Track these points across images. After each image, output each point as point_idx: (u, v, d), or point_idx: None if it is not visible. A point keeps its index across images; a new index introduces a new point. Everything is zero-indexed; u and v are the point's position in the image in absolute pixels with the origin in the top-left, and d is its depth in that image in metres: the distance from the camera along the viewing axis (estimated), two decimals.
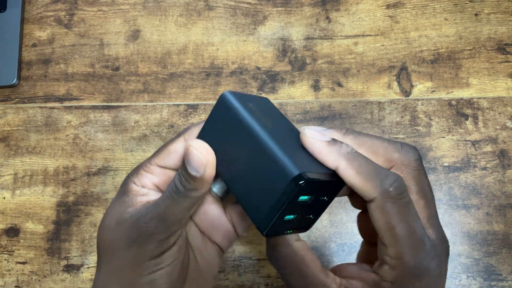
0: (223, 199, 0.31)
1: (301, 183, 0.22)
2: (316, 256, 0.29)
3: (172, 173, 0.28)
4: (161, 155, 0.28)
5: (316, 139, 0.24)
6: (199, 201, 0.26)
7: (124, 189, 0.28)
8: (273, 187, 0.23)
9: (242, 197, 0.25)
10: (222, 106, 0.26)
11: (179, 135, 0.28)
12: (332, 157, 0.23)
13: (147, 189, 0.28)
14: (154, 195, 0.27)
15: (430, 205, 0.25)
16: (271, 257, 0.26)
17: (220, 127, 0.26)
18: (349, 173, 0.23)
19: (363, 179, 0.23)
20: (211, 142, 0.26)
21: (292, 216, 0.25)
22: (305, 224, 0.26)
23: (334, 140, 0.24)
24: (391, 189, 0.23)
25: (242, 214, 0.29)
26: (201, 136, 0.27)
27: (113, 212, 0.27)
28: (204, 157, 0.24)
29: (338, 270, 0.26)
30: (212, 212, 0.29)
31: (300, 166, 0.23)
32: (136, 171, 0.28)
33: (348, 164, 0.23)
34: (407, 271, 0.23)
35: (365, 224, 0.28)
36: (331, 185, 0.24)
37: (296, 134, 0.26)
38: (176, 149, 0.28)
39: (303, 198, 0.24)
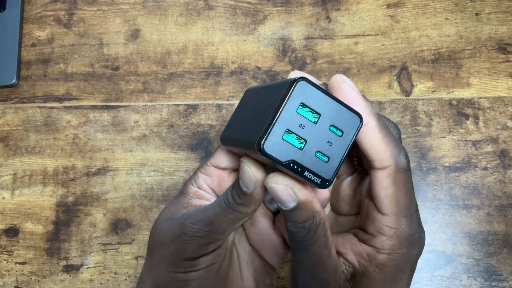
0: (276, 215, 0.30)
1: (298, 83, 0.22)
2: None
3: (225, 175, 0.28)
4: (215, 155, 0.29)
5: (353, 89, 0.23)
6: (246, 217, 0.26)
7: (182, 190, 0.29)
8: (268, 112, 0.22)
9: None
10: (245, 97, 0.26)
11: None
12: (366, 111, 0.23)
13: (203, 191, 0.28)
14: (209, 200, 0.28)
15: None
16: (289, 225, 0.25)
17: (242, 111, 0.26)
18: (376, 135, 0.23)
19: (385, 144, 0.23)
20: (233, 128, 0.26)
21: (294, 134, 0.22)
22: (319, 168, 0.23)
23: (365, 98, 0.24)
24: (405, 161, 0.23)
25: None
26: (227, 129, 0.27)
27: (168, 209, 0.28)
28: (254, 176, 0.24)
29: None
30: (262, 225, 0.29)
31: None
32: (195, 172, 0.29)
33: (377, 125, 0.23)
34: (404, 240, 0.24)
35: (347, 193, 0.28)
36: (339, 112, 0.22)
37: None
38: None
39: (304, 114, 0.22)
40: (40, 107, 0.45)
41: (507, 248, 0.40)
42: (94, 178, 0.43)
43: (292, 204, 0.23)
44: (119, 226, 0.42)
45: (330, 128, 0.22)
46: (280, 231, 0.29)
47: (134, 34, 0.46)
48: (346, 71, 0.44)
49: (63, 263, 0.41)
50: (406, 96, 0.44)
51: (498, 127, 0.43)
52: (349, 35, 0.45)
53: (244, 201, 0.25)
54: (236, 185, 0.25)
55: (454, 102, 0.43)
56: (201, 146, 0.43)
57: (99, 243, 0.41)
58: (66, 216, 0.42)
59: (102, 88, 0.45)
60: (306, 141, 0.22)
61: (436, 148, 0.42)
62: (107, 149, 0.44)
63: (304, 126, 0.22)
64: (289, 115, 0.21)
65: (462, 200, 0.41)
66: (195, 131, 0.43)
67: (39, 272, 0.41)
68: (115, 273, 0.41)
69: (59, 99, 0.45)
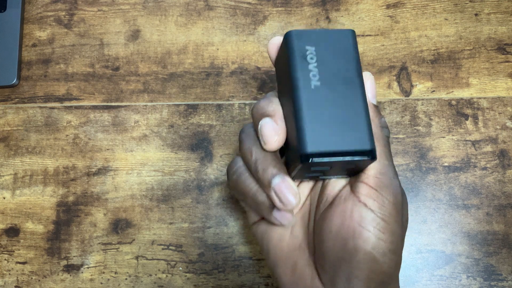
0: None
1: (307, 162, 0.23)
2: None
3: None
4: None
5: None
6: None
7: None
8: (294, 151, 0.24)
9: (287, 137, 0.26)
10: (283, 47, 0.26)
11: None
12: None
13: None
14: None
15: None
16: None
17: (281, 68, 0.27)
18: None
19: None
20: (277, 77, 0.28)
21: (316, 174, 0.26)
22: (341, 174, 0.27)
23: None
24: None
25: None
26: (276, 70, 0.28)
27: None
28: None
29: None
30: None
31: (314, 141, 0.23)
32: None
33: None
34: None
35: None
36: (351, 163, 0.24)
37: (351, 86, 0.25)
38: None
39: (318, 168, 0.24)
40: (40, 107, 0.45)
41: (507, 247, 0.40)
42: (95, 178, 0.43)
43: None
44: (119, 226, 0.42)
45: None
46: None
47: (135, 35, 0.47)
48: None
49: (64, 262, 0.41)
50: (405, 96, 0.44)
51: (498, 127, 0.43)
52: None
53: None
54: None
55: (453, 102, 0.43)
56: (201, 146, 0.43)
57: (99, 243, 0.41)
58: (67, 216, 0.42)
59: (102, 88, 0.45)
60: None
61: (435, 148, 0.42)
62: (107, 149, 0.44)
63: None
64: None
65: (461, 200, 0.41)
66: (195, 131, 0.44)
67: (39, 271, 0.41)
68: (116, 273, 0.41)
69: (60, 99, 0.45)
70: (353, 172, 0.26)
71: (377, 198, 0.25)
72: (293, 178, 0.26)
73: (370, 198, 0.25)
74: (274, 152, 0.26)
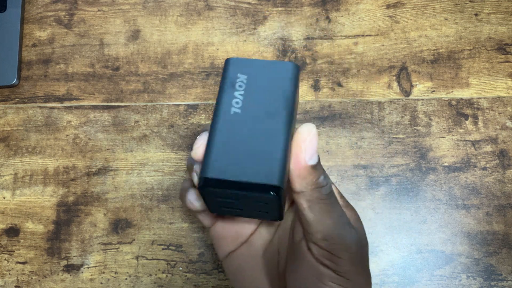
0: None
1: (203, 188, 0.22)
2: None
3: None
4: None
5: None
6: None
7: None
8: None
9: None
10: (223, 71, 0.26)
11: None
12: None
13: None
14: None
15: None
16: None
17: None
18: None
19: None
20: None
21: (228, 209, 0.24)
22: (263, 215, 0.25)
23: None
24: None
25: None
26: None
27: None
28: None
29: None
30: None
31: (216, 168, 0.21)
32: None
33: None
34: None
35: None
36: (256, 198, 0.22)
37: (273, 120, 0.23)
38: None
39: (223, 199, 0.23)
40: (40, 107, 0.45)
41: (506, 247, 0.40)
42: (95, 178, 0.43)
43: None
44: (119, 225, 0.42)
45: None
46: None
47: (135, 35, 0.47)
48: (345, 71, 0.44)
49: (64, 262, 0.41)
50: (405, 96, 0.44)
51: (497, 127, 0.43)
52: (348, 36, 0.45)
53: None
54: None
55: (453, 102, 0.43)
56: None
57: (99, 243, 0.41)
58: (67, 216, 0.42)
59: (102, 88, 0.45)
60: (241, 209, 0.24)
61: (435, 148, 0.42)
62: (107, 149, 0.44)
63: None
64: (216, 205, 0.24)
65: (461, 200, 0.41)
66: (196, 131, 0.44)
67: (39, 271, 0.41)
68: (116, 273, 0.41)
69: (60, 99, 0.45)
70: (272, 214, 0.24)
71: (332, 258, 0.24)
72: (211, 210, 0.25)
73: (325, 258, 0.24)
74: None
